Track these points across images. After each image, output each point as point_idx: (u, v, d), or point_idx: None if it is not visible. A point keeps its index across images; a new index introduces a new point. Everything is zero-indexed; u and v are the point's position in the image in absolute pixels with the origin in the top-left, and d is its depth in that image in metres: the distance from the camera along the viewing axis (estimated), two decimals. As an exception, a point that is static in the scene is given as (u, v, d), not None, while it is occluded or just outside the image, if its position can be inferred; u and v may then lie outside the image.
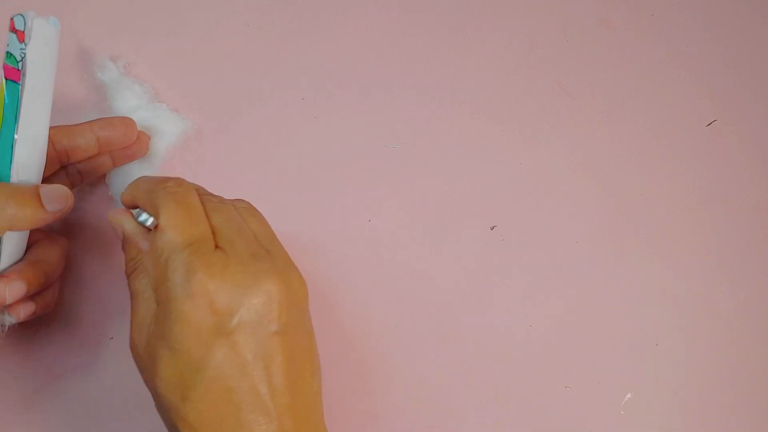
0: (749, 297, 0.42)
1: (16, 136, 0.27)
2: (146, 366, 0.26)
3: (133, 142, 0.36)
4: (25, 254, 0.31)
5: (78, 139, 0.33)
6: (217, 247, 0.26)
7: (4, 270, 0.29)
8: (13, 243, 0.29)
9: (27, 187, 0.28)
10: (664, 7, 0.46)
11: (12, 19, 0.26)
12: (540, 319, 0.40)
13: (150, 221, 0.27)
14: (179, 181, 0.28)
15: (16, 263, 0.30)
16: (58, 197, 0.29)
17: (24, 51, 0.25)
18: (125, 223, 0.28)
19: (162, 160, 0.39)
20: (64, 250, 0.33)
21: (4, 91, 0.27)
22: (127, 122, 0.35)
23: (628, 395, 0.39)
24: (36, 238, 0.32)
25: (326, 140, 0.42)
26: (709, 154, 0.44)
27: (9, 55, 0.26)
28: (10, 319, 0.30)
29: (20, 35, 0.25)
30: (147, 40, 0.43)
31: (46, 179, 0.31)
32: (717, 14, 0.46)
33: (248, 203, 0.30)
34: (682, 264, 0.42)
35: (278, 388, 0.25)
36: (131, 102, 0.39)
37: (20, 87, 0.26)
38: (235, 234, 0.27)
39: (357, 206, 0.41)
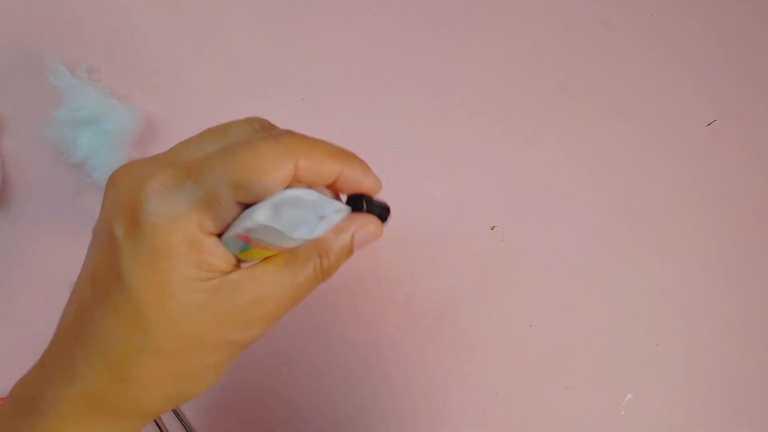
0: (749, 297, 0.42)
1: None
2: None
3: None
4: None
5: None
6: None
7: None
8: None
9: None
10: (664, 7, 0.46)
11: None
12: (540, 319, 0.40)
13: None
14: None
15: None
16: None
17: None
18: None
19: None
20: None
21: None
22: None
23: (629, 395, 0.39)
24: None
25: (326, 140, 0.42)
26: (709, 154, 0.44)
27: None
28: None
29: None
30: (141, 45, 0.43)
31: None
32: (717, 14, 0.46)
33: None
34: (682, 264, 0.42)
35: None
36: (83, 102, 0.39)
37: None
38: None
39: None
